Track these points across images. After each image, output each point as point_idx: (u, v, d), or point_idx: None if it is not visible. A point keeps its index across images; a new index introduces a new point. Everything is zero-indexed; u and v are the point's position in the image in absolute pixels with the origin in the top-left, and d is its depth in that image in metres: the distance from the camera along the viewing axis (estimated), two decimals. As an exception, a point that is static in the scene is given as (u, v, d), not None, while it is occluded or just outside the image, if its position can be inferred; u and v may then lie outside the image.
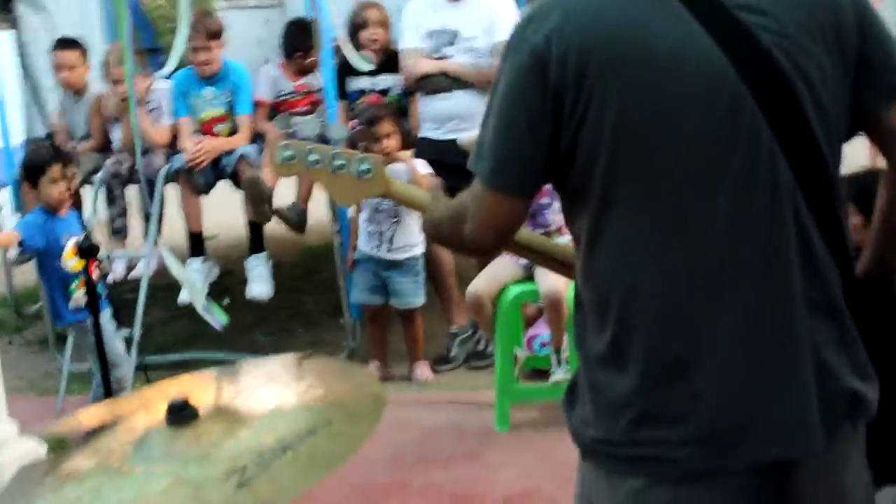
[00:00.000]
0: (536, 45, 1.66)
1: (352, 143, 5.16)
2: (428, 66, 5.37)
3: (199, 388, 2.04)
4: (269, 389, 1.99)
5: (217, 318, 5.21)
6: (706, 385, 1.65)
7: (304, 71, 5.95)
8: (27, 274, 6.55)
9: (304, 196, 5.66)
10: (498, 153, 1.71)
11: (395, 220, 5.08)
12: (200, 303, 5.10)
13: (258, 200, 5.33)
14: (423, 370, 5.22)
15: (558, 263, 2.08)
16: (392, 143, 5.04)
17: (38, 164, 4.88)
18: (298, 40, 5.93)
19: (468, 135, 4.66)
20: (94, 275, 3.84)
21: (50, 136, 6.33)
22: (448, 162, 4.91)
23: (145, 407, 2.00)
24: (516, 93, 1.69)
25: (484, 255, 1.94)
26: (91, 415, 2.08)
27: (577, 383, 1.79)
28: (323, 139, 5.23)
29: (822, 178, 1.69)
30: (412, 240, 5.13)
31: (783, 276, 1.65)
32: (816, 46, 1.67)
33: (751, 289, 1.65)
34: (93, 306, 3.80)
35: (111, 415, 2.03)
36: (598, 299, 1.71)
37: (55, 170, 4.78)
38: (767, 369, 1.65)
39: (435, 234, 1.98)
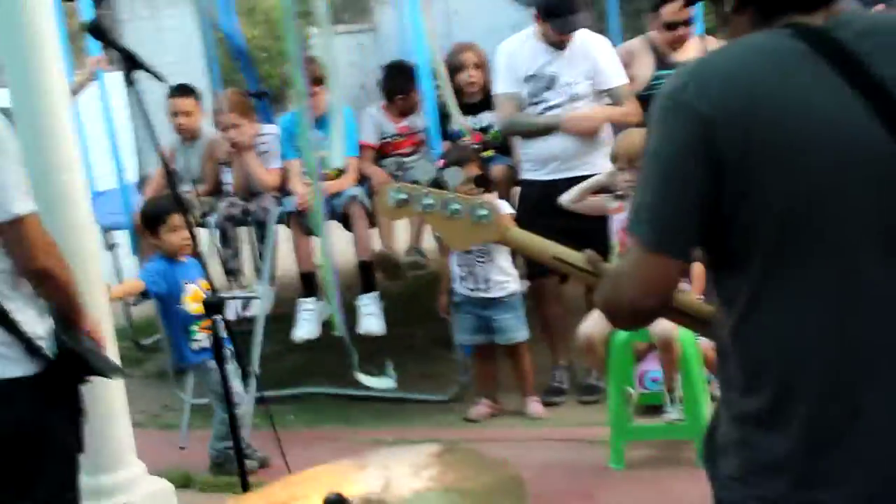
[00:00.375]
0: (702, 113, 1.70)
1: (437, 183, 5.24)
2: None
3: (347, 475, 2.13)
4: (414, 480, 2.06)
5: (387, 379, 5.40)
6: (867, 449, 1.71)
7: (405, 112, 6.08)
8: (143, 306, 6.78)
9: (415, 236, 5.79)
10: (659, 216, 1.76)
11: (485, 258, 5.15)
12: (369, 381, 5.32)
13: (391, 272, 5.49)
14: (534, 405, 5.29)
15: (695, 320, 2.04)
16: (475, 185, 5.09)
17: (158, 213, 5.05)
18: (398, 82, 6.06)
19: (569, 195, 4.78)
20: (218, 325, 4.00)
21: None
22: (550, 204, 4.99)
23: (297, 497, 2.09)
24: (679, 157, 1.73)
25: (644, 322, 1.96)
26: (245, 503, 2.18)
27: (719, 437, 1.84)
28: (436, 182, 5.34)
29: None
30: (505, 275, 5.20)
31: None
32: None
33: None
34: (219, 359, 3.95)
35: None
36: (755, 361, 1.77)
37: (176, 218, 4.94)
38: None
39: (600, 305, 1.96)
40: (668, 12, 5.47)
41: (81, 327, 3.01)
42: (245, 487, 3.90)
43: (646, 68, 5.56)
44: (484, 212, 2.12)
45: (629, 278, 1.81)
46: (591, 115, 5.34)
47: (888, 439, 1.71)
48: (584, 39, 5.39)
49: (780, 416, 1.74)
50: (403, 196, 2.19)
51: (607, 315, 1.94)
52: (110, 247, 6.91)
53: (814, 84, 1.70)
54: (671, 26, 5.49)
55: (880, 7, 7.75)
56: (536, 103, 5.38)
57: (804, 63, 1.72)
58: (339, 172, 5.94)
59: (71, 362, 2.93)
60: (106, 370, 3.14)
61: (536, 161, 5.44)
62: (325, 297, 5.65)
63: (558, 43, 5.32)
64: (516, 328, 5.24)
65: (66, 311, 2.95)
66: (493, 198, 5.21)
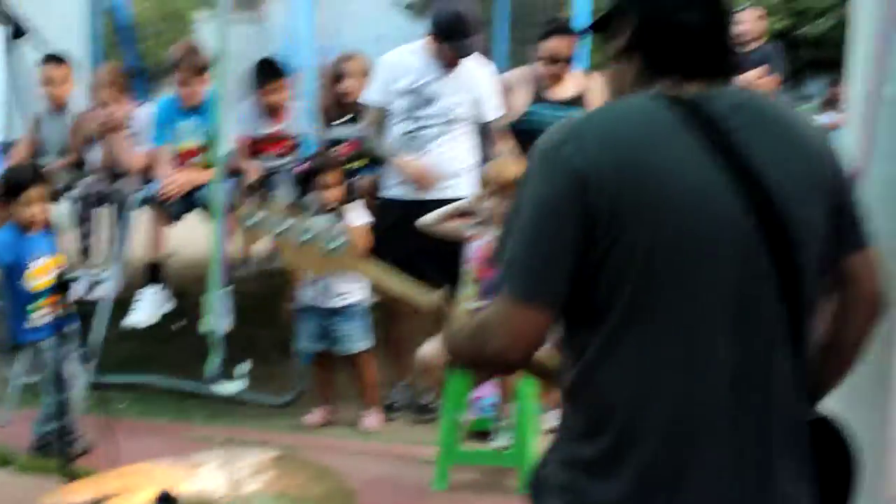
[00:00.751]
0: (577, 168, 1.77)
1: (301, 184, 5.31)
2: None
3: (181, 471, 2.16)
4: (248, 483, 2.09)
5: (237, 383, 5.42)
6: (694, 498, 1.80)
7: (273, 110, 6.04)
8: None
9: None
10: (531, 268, 1.79)
11: None
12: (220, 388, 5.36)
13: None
14: (369, 419, 5.34)
15: (539, 371, 2.09)
16: (333, 193, 5.15)
17: (17, 182, 4.91)
18: (262, 77, 6.03)
19: (429, 218, 4.85)
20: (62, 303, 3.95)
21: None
22: (410, 223, 5.05)
23: (129, 488, 2.11)
24: (551, 209, 1.78)
25: (509, 371, 1.98)
26: (76, 491, 2.19)
27: (547, 478, 1.91)
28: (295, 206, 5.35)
29: (803, 325, 1.87)
30: (350, 286, 5.23)
31: (770, 412, 1.84)
32: (811, 196, 1.86)
33: (744, 420, 1.82)
34: (59, 339, 3.91)
35: (95, 493, 2.14)
36: (597, 408, 1.84)
37: (34, 191, 4.83)
38: (748, 491, 1.82)
39: (455, 351, 1.99)
40: (550, 46, 5.59)
41: None
42: (69, 473, 3.88)
43: (522, 101, 5.67)
44: (338, 242, 2.15)
45: (496, 328, 1.81)
46: (420, 171, 5.35)
47: (715, 493, 1.81)
48: (472, 66, 5.43)
49: (616, 463, 1.81)
50: (258, 220, 2.21)
51: (466, 362, 1.97)
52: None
53: (685, 153, 1.80)
54: (552, 60, 5.61)
55: (756, 71, 8.11)
56: (413, 118, 5.38)
57: (677, 132, 1.81)
58: (209, 163, 5.91)
59: None
60: None
61: (401, 179, 5.43)
62: (169, 286, 5.63)
63: (449, 63, 5.34)
64: (357, 338, 5.28)
65: None
66: (355, 208, 5.27)
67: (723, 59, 1.93)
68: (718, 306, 1.80)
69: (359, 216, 5.22)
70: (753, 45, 8.36)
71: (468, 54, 5.32)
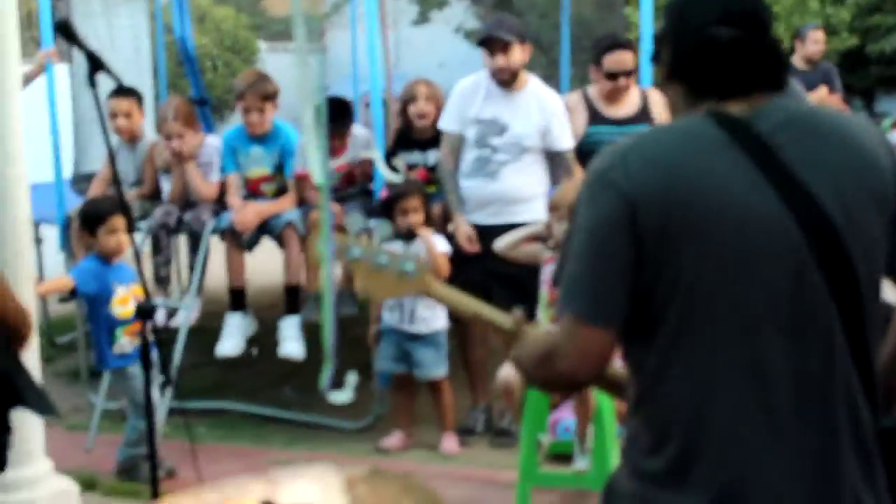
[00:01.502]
0: (626, 193, 1.84)
1: (384, 211, 5.35)
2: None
3: (277, 487, 2.21)
4: (342, 498, 2.14)
5: (347, 392, 5.47)
6: None
7: (338, 147, 5.95)
8: (61, 303, 6.73)
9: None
10: (591, 289, 1.87)
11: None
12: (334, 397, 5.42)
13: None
14: (448, 442, 5.35)
15: (610, 385, 2.15)
16: (415, 218, 5.20)
17: (99, 213, 5.03)
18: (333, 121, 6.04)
19: (503, 241, 4.86)
20: (144, 330, 4.03)
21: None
22: (485, 247, 5.07)
23: (230, 500, 2.17)
24: (605, 233, 1.86)
25: (577, 390, 2.07)
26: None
27: (619, 492, 1.96)
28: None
29: (865, 332, 1.89)
30: (433, 313, 5.27)
31: (833, 417, 1.86)
32: (867, 206, 1.88)
33: (806, 426, 1.84)
34: (146, 365, 3.98)
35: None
36: (660, 421, 1.89)
37: (116, 221, 4.95)
38: (816, 494, 1.84)
39: (523, 370, 2.07)
40: (611, 60, 5.58)
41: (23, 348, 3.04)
42: (156, 495, 3.93)
43: (580, 123, 5.66)
44: (410, 267, 2.21)
45: (564, 350, 1.89)
46: (466, 237, 5.38)
47: (784, 498, 1.83)
48: (540, 93, 5.45)
49: (682, 475, 1.86)
50: (334, 248, 2.27)
51: (538, 383, 2.05)
52: (37, 241, 6.84)
53: (731, 171, 1.84)
54: (612, 76, 5.60)
55: (822, 89, 8.09)
56: (484, 146, 5.41)
57: (723, 151, 1.85)
58: (279, 190, 5.96)
59: (4, 391, 2.95)
60: (39, 408, 3.15)
61: (475, 203, 5.46)
62: (310, 307, 5.64)
63: (505, 81, 5.35)
64: (435, 365, 5.31)
65: (9, 336, 2.97)
66: (436, 234, 5.31)
67: (765, 74, 1.95)
68: (771, 317, 1.83)
69: (441, 243, 5.26)
70: (815, 65, 8.38)
71: (505, 44, 5.30)
